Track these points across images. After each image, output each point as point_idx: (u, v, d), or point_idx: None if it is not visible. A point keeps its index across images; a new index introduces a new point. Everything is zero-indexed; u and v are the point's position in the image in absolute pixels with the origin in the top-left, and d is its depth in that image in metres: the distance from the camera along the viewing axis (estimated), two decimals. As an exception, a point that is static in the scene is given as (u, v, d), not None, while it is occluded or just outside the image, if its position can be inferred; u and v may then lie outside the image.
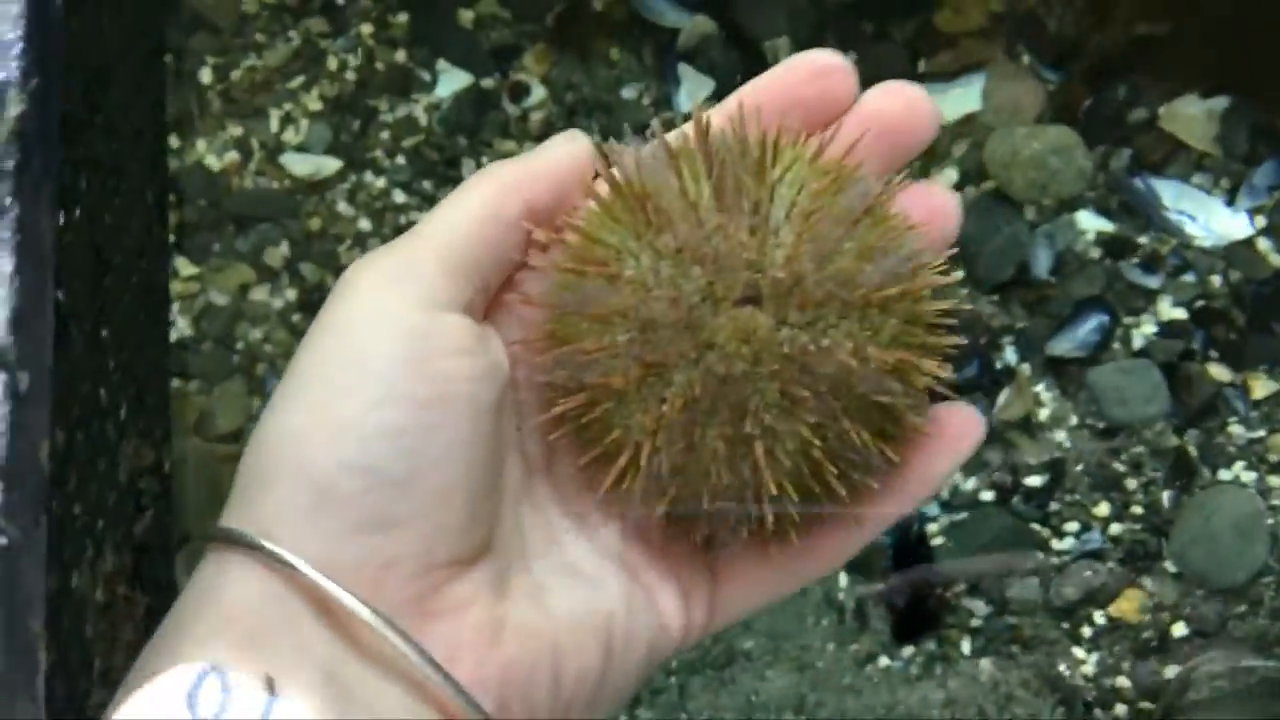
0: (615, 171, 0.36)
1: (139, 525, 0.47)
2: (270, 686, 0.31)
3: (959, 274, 0.36)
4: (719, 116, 0.37)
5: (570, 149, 0.37)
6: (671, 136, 0.36)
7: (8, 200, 0.34)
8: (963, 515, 0.58)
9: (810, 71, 0.38)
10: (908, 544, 0.58)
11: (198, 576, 0.33)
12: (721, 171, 0.35)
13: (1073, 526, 0.58)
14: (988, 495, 0.59)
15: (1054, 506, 0.58)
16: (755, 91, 0.38)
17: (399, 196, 0.62)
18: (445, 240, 0.35)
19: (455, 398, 0.34)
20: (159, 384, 0.54)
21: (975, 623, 0.57)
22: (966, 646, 0.57)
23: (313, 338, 0.34)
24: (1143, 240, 0.61)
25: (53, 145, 0.36)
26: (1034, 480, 0.58)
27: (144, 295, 0.53)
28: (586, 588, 0.36)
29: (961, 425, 0.38)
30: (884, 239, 0.35)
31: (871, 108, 0.38)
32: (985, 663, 0.57)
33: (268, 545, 0.32)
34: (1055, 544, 0.58)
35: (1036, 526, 0.58)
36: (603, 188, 0.36)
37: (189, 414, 0.58)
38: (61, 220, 0.36)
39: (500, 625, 0.34)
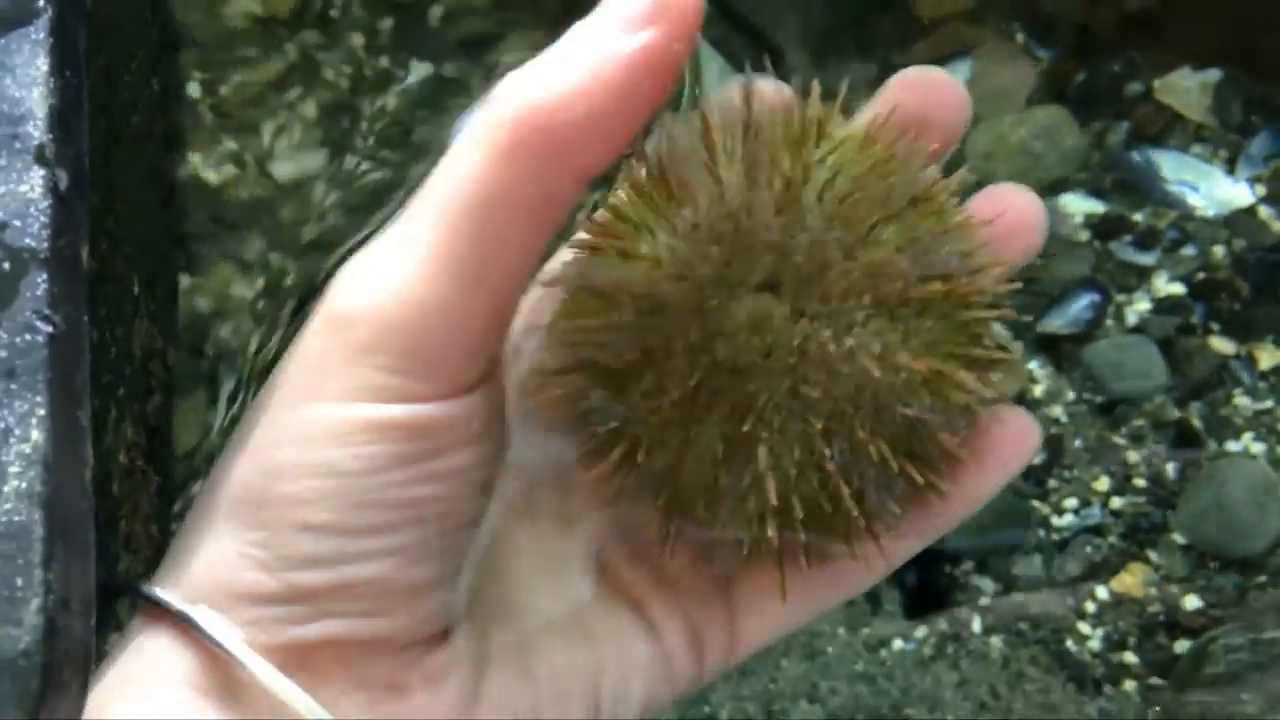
0: (648, 144, 0.34)
1: (150, 405, 0.50)
2: None
3: (1018, 284, 0.34)
4: (774, 90, 0.35)
5: (629, 45, 0.29)
6: (718, 108, 0.34)
7: (41, 3, 0.36)
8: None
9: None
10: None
11: (126, 643, 0.32)
12: (757, 147, 0.33)
13: (1072, 502, 0.61)
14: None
15: (1053, 483, 0.61)
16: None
17: (365, 166, 0.65)
18: (410, 304, 0.30)
19: (428, 518, 0.31)
20: (167, 277, 0.56)
21: (984, 601, 0.59)
22: (977, 625, 0.60)
23: (252, 424, 0.32)
24: (1137, 217, 0.64)
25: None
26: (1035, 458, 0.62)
27: (152, 183, 0.55)
28: (576, 638, 0.35)
29: (1015, 437, 0.36)
30: (932, 232, 0.33)
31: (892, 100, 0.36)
32: (996, 640, 0.59)
33: (203, 625, 0.31)
34: (1055, 520, 0.61)
35: (1037, 504, 0.61)
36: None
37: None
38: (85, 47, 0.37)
39: (477, 696, 0.33)
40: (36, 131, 0.34)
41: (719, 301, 0.32)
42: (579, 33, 0.29)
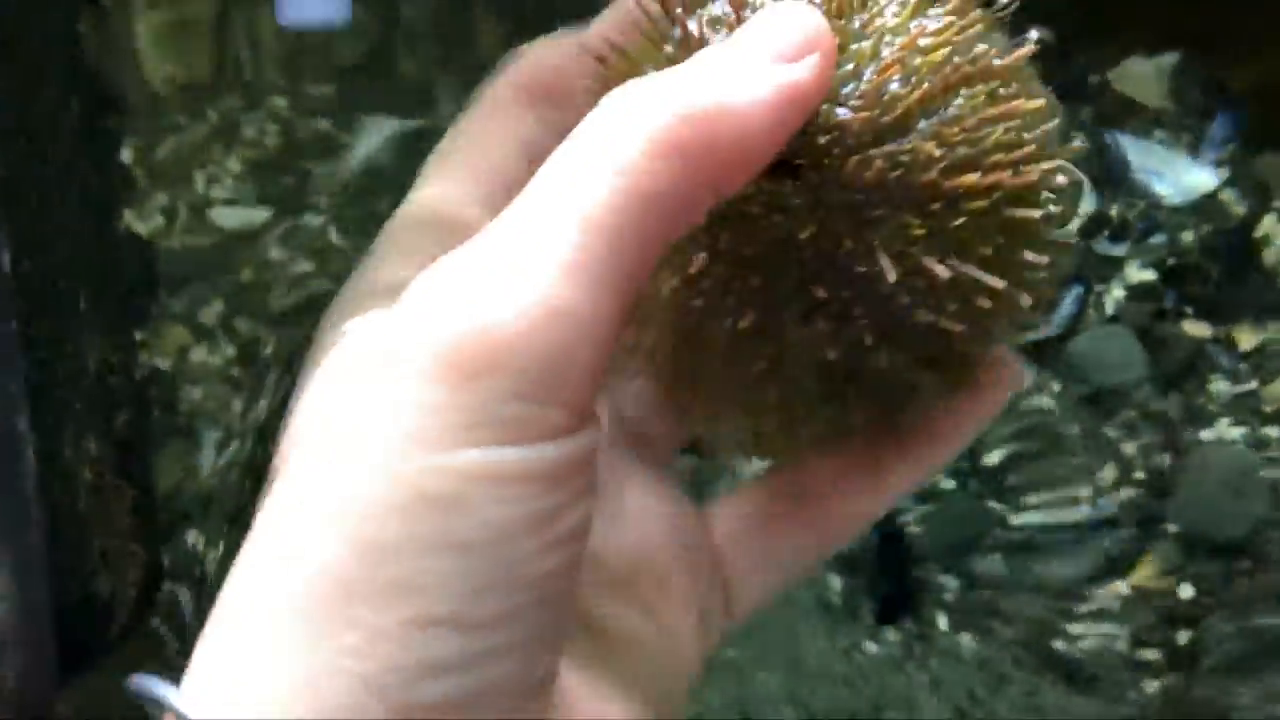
0: None
1: (117, 420, 0.49)
2: None
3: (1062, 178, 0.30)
4: None
5: (787, 77, 0.28)
6: None
7: None
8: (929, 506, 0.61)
9: None
10: (889, 533, 0.61)
11: None
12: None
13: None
14: (949, 484, 0.61)
15: (1012, 480, 0.61)
16: None
17: (333, 235, 0.65)
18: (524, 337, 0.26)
19: (551, 598, 0.27)
20: (117, 293, 0.56)
21: (948, 597, 0.59)
22: (944, 623, 0.59)
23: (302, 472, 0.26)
24: (1113, 210, 0.63)
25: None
26: (993, 458, 0.61)
27: (86, 207, 0.56)
28: (610, 678, 0.32)
29: (1001, 371, 0.34)
30: (980, 116, 0.29)
31: None
32: (966, 638, 0.58)
33: None
34: (1013, 519, 0.60)
35: (994, 504, 0.60)
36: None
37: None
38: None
39: None
40: (-57, 146, 0.34)
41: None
42: (724, 57, 0.28)
